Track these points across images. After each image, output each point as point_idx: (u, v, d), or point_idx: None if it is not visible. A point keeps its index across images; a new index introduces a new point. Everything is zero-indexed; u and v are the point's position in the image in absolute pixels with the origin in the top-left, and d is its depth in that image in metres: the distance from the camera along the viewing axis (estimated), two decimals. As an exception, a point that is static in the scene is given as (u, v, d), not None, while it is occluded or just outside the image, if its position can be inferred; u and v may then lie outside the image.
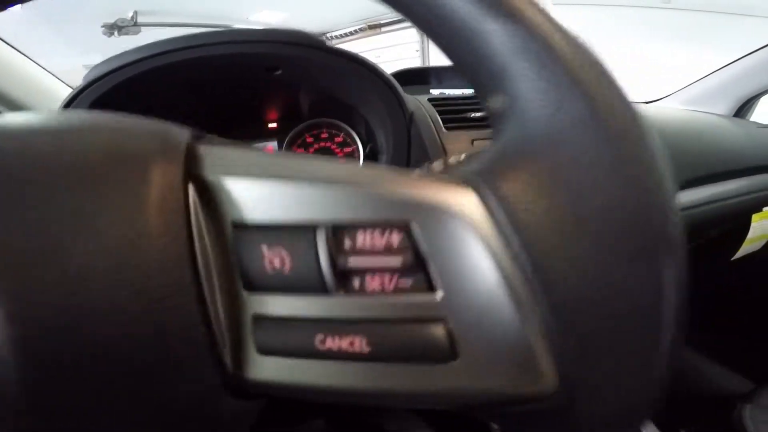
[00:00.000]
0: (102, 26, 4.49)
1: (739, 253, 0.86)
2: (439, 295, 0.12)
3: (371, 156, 0.57)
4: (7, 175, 0.11)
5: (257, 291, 0.12)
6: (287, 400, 0.13)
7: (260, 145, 0.56)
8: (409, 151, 0.47)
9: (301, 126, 0.57)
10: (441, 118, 0.51)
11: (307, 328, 0.12)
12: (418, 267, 0.12)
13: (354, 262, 0.12)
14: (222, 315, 0.12)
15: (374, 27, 5.60)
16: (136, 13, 4.47)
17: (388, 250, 0.12)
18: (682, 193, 0.64)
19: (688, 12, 3.22)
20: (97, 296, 0.11)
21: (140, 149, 0.13)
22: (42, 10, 3.87)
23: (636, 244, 0.12)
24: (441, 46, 0.15)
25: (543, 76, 0.12)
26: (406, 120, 0.47)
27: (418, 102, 0.53)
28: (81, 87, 0.40)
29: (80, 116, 0.15)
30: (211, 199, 0.13)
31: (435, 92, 0.81)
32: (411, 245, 0.12)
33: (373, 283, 0.12)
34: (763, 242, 0.87)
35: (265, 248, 0.12)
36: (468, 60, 0.14)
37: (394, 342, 0.12)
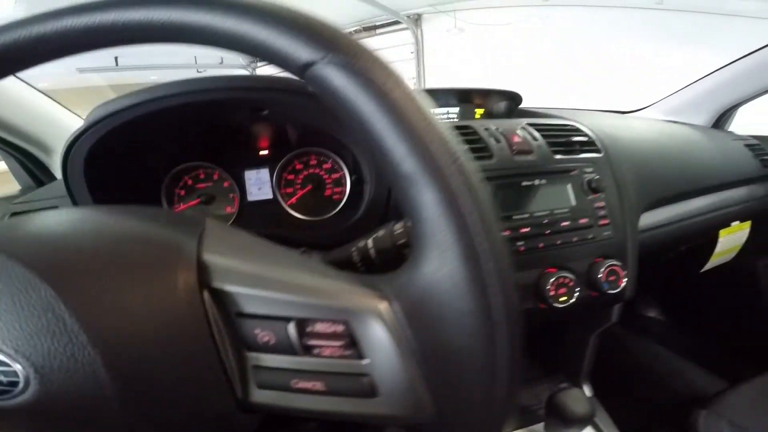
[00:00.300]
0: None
1: (708, 266, 0.90)
2: (366, 361, 0.19)
3: (357, 183, 0.61)
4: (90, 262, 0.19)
5: (254, 351, 0.20)
6: (279, 415, 0.20)
7: (253, 172, 0.60)
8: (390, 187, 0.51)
9: (290, 155, 0.60)
10: None
11: (286, 375, 0.20)
12: (353, 344, 0.19)
13: (313, 340, 0.20)
14: (234, 365, 0.20)
15: (369, 29, 5.61)
16: None
17: (335, 334, 0.19)
18: (650, 213, 0.68)
19: (682, 13, 3.25)
20: (159, 356, 0.18)
21: (165, 261, 0.20)
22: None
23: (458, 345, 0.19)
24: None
25: (443, 243, 0.18)
26: None
27: None
28: (81, 129, 0.43)
29: (122, 223, 0.22)
30: (220, 300, 0.20)
31: None
32: (349, 333, 0.19)
33: (325, 351, 0.20)
34: (733, 254, 0.92)
35: (258, 330, 0.20)
36: (399, 193, 0.19)
37: (339, 385, 0.19)
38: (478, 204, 0.18)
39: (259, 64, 6.34)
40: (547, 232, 0.53)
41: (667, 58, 3.18)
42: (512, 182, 0.53)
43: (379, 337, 0.19)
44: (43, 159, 0.76)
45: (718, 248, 0.87)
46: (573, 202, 0.55)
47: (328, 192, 0.60)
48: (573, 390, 0.53)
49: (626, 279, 0.54)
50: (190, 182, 0.56)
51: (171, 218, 0.24)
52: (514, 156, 0.55)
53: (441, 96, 0.86)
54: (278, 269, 0.20)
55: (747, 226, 0.90)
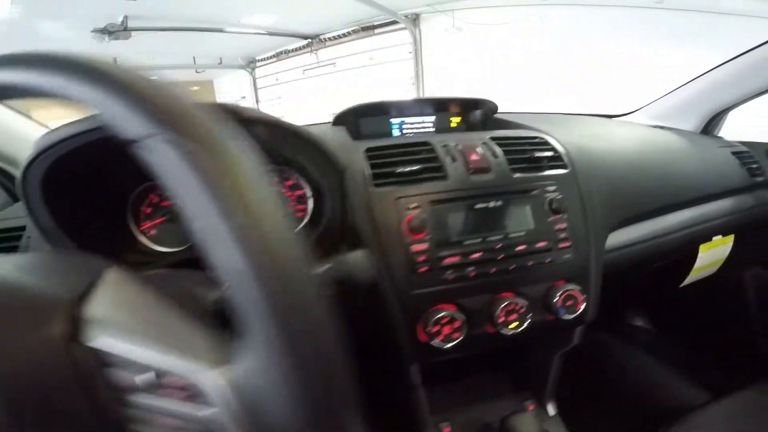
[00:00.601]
0: (92, 31, 4.44)
1: (688, 281, 0.87)
2: (213, 410, 0.20)
3: (320, 198, 0.59)
4: None
5: (122, 392, 0.21)
6: None
7: None
8: (344, 206, 0.50)
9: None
10: (373, 173, 0.52)
11: (150, 412, 0.21)
12: (200, 395, 0.20)
13: (168, 388, 0.21)
14: (107, 404, 0.21)
15: (367, 29, 5.56)
16: (126, 18, 4.41)
17: (185, 386, 0.21)
18: (621, 231, 0.65)
19: (681, 12, 3.20)
20: (31, 394, 0.19)
21: (34, 313, 0.21)
22: (32, 15, 3.83)
23: None
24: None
25: (252, 335, 0.18)
26: (339, 178, 0.51)
27: (354, 154, 0.54)
28: (31, 158, 0.42)
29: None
30: (88, 352, 0.21)
31: (377, 142, 0.78)
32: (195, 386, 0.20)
33: (177, 396, 0.21)
34: (715, 268, 0.89)
35: (124, 375, 0.21)
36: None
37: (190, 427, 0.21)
38: (289, 295, 0.17)
39: (258, 64, 6.36)
40: (500, 257, 0.50)
41: (666, 57, 3.10)
42: (466, 205, 0.51)
43: (223, 393, 0.19)
44: (14, 173, 0.74)
45: (698, 263, 0.84)
46: (531, 224, 0.52)
47: (290, 210, 0.58)
48: (526, 414, 0.52)
49: (585, 303, 0.52)
50: (155, 200, 0.55)
51: (62, 267, 0.25)
52: (470, 176, 0.52)
53: (417, 106, 0.83)
54: (149, 326, 0.22)
55: (730, 240, 0.86)
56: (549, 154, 0.57)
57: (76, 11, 4.01)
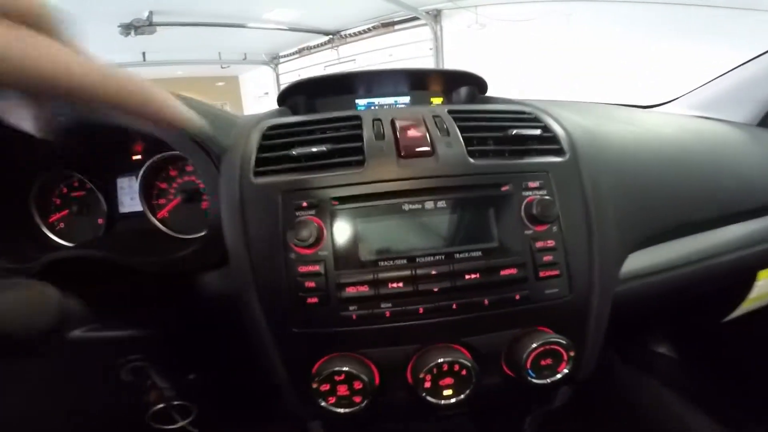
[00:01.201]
0: (118, 26, 4.56)
1: (736, 313, 0.65)
2: None
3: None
4: None
5: None
6: None
7: (125, 179, 0.51)
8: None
9: (156, 158, 0.49)
10: (257, 158, 0.36)
11: None
12: None
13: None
14: None
15: (387, 25, 5.47)
16: (151, 13, 4.51)
17: None
18: (649, 251, 0.45)
19: (710, 8, 2.96)
20: None
21: None
22: (60, 10, 3.95)
23: None
24: None
25: None
26: (214, 167, 0.37)
27: (250, 137, 0.38)
28: None
29: None
30: None
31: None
32: None
33: None
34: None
35: None
36: None
37: None
38: None
39: (281, 60, 6.37)
40: (436, 288, 0.32)
41: (695, 54, 2.86)
42: (389, 205, 0.33)
43: None
44: None
45: (754, 293, 0.62)
46: (493, 238, 0.33)
47: (205, 204, 0.48)
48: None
49: (573, 363, 0.33)
50: (65, 191, 0.52)
51: None
52: (400, 161, 0.34)
53: (388, 81, 0.66)
54: None
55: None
56: (534, 132, 0.38)
57: (102, 6, 4.14)
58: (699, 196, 0.48)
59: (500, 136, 0.37)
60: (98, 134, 0.44)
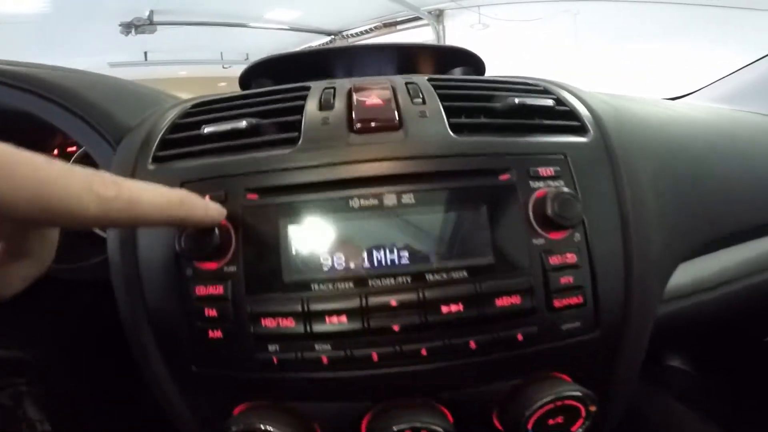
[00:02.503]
0: (119, 25, 4.53)
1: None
2: None
3: None
4: None
5: None
6: None
7: None
8: None
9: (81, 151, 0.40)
10: (161, 140, 0.27)
11: None
12: None
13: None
14: None
15: (389, 25, 5.41)
16: (152, 12, 4.48)
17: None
18: (703, 260, 0.34)
19: (717, 8, 2.86)
20: None
21: None
22: (61, 10, 3.92)
23: None
24: None
25: None
26: (112, 151, 0.28)
27: (158, 116, 0.29)
28: None
29: None
30: None
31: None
32: None
33: None
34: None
35: None
36: None
37: None
38: None
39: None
40: (395, 327, 0.21)
41: (702, 56, 2.80)
42: (330, 201, 0.22)
43: None
44: None
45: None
46: (487, 250, 0.22)
47: None
48: None
49: (592, 419, 0.23)
50: None
51: None
52: (352, 135, 0.23)
53: (370, 59, 0.56)
54: None
55: None
56: (545, 102, 0.27)
57: (104, 4, 4.15)
58: (759, 194, 0.37)
59: (497, 108, 0.27)
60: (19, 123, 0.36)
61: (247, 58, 6.32)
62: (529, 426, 0.22)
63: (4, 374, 0.33)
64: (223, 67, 6.44)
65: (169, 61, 5.43)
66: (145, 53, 5.16)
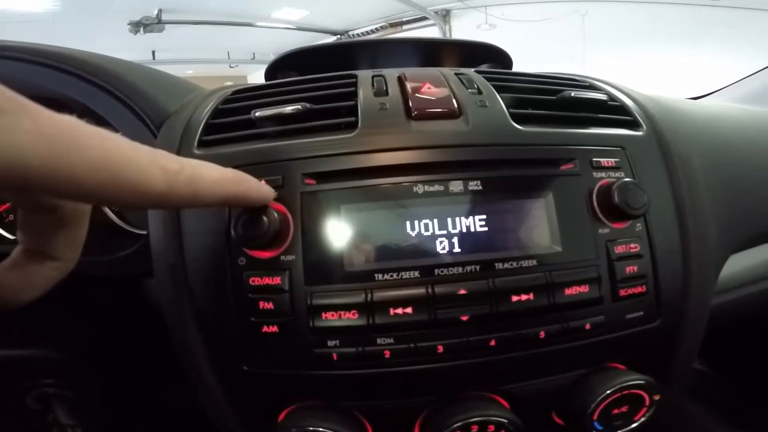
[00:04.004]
0: (128, 24, 4.55)
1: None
2: None
3: None
4: None
5: None
6: None
7: None
8: None
9: None
10: (206, 124, 0.26)
11: None
12: None
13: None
14: None
15: (395, 25, 5.41)
16: (160, 11, 4.50)
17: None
18: (752, 252, 0.33)
19: (728, 9, 2.81)
20: None
21: None
22: (71, 9, 3.96)
23: None
24: None
25: None
26: (152, 136, 0.27)
27: (198, 102, 0.29)
28: None
29: None
30: None
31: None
32: None
33: None
34: None
35: None
36: None
37: None
38: None
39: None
40: (464, 317, 0.20)
41: (712, 59, 2.78)
42: (393, 187, 0.21)
43: None
44: None
45: None
46: (555, 240, 0.22)
47: None
48: None
49: (656, 408, 0.23)
50: None
51: None
52: (412, 122, 0.23)
53: (396, 53, 0.56)
54: None
55: None
56: (599, 96, 0.27)
57: (113, 3, 4.18)
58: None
59: (550, 100, 0.26)
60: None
61: (254, 58, 6.34)
62: (595, 417, 0.22)
63: (30, 376, 0.32)
64: (230, 66, 6.46)
65: (176, 60, 5.46)
66: (153, 52, 5.19)
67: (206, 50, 5.76)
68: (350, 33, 5.57)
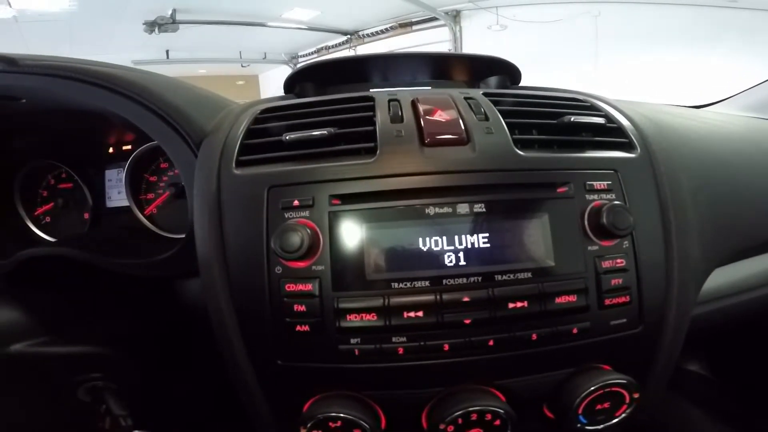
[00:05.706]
0: (143, 23, 4.64)
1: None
2: None
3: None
4: None
5: None
6: None
7: (113, 171, 0.47)
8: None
9: (144, 148, 0.44)
10: (242, 144, 0.30)
11: None
12: None
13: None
14: None
15: (405, 25, 5.41)
16: (174, 11, 4.58)
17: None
18: (739, 265, 0.36)
19: (743, 10, 2.77)
20: None
21: None
22: (87, 9, 4.04)
23: None
24: None
25: None
26: (191, 154, 0.30)
27: (238, 121, 0.32)
28: None
29: None
30: None
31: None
32: None
33: None
34: None
35: None
36: None
37: None
38: None
39: (300, 60, 6.40)
40: (467, 321, 0.24)
41: (728, 60, 2.73)
42: (408, 208, 0.25)
43: None
44: None
45: None
46: (549, 255, 0.25)
47: None
48: None
49: (635, 405, 0.26)
50: (52, 182, 0.48)
51: None
52: (424, 149, 0.26)
53: (407, 67, 0.58)
54: None
55: None
56: (597, 120, 0.30)
57: (129, 3, 4.23)
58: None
59: (551, 124, 0.29)
60: (80, 121, 0.39)
61: (265, 57, 6.41)
62: (580, 410, 0.25)
63: (81, 370, 0.35)
64: (242, 66, 6.54)
65: (189, 59, 5.54)
66: (167, 51, 5.27)
67: (219, 50, 5.81)
68: (360, 33, 5.59)
